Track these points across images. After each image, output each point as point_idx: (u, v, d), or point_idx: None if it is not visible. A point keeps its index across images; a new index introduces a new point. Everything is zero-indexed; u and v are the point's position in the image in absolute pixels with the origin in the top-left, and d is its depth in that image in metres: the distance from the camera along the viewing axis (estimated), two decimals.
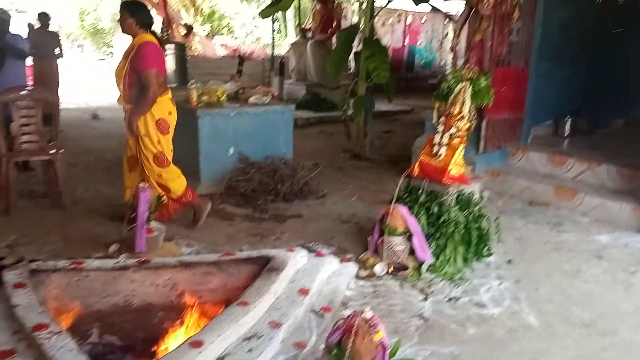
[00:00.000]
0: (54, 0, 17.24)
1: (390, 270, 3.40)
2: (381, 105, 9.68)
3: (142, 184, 3.55)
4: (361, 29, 6.66)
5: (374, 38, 6.63)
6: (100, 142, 7.27)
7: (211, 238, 4.01)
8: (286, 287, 2.89)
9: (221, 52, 11.36)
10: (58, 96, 5.04)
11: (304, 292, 2.87)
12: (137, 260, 3.07)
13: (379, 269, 3.39)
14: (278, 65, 10.55)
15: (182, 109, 5.12)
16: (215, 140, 5.01)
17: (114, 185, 5.17)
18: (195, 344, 2.18)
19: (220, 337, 2.27)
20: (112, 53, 17.58)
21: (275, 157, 5.19)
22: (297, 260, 3.16)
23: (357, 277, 3.38)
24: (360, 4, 10.63)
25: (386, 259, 3.46)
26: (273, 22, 11.49)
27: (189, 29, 10.64)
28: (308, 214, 4.65)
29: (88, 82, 13.75)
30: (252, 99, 5.36)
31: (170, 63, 6.35)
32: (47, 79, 7.76)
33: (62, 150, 4.60)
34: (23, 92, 4.61)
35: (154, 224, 3.60)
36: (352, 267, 3.41)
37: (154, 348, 2.58)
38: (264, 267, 3.02)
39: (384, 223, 3.48)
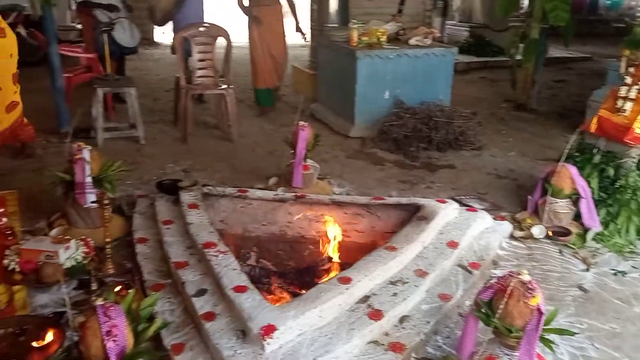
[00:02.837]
0: None
1: (549, 234, 3.16)
2: (554, 51, 8.79)
3: (301, 122, 3.68)
4: None
5: None
6: None
7: (361, 181, 4.08)
8: (435, 238, 2.85)
9: None
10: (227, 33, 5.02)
11: (453, 244, 2.80)
12: (294, 194, 3.25)
13: (537, 231, 3.17)
14: (441, 5, 10.02)
15: (342, 49, 5.18)
16: (372, 83, 4.98)
17: (275, 123, 5.48)
18: (344, 279, 2.27)
19: (368, 277, 2.33)
20: None
21: (431, 103, 5.02)
22: (448, 212, 3.08)
23: (511, 237, 3.20)
24: None
25: (546, 221, 3.22)
26: None
27: None
28: (462, 165, 4.48)
29: None
30: (412, 41, 5.19)
31: (332, 2, 6.34)
32: (270, 30, 5.50)
33: (233, 86, 4.94)
34: (201, 29, 4.97)
35: (310, 162, 3.75)
36: (506, 226, 3.24)
37: (305, 278, 2.74)
38: (413, 215, 3.00)
39: (548, 182, 3.21)
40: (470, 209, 3.33)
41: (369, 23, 5.41)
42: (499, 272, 2.67)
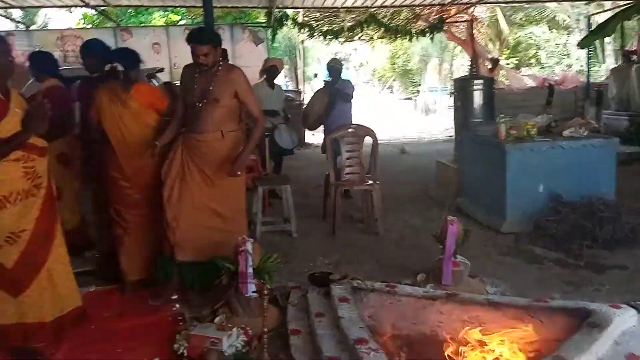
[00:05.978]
0: (370, 47, 19.73)
1: None
2: None
3: (450, 217, 3.63)
4: None
5: None
6: (409, 175, 7.77)
7: (518, 280, 3.81)
8: (610, 349, 2.52)
9: (528, 83, 10.91)
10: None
11: (633, 358, 2.45)
12: (445, 292, 3.14)
13: None
14: (594, 94, 9.54)
15: (488, 143, 5.11)
16: (524, 176, 4.79)
17: (420, 217, 5.46)
18: None
19: None
20: (418, 91, 18.79)
21: (592, 196, 4.65)
22: (624, 319, 2.73)
23: None
24: None
25: None
26: (588, 48, 10.47)
27: (495, 62, 10.58)
28: (635, 265, 3.99)
29: (397, 120, 14.95)
30: (566, 132, 4.96)
31: (477, 98, 6.41)
32: None
33: (379, 182, 5.09)
34: (350, 129, 5.31)
35: (459, 259, 3.63)
36: None
37: None
38: (583, 322, 2.71)
39: None
40: None
41: (518, 117, 5.32)
42: None
